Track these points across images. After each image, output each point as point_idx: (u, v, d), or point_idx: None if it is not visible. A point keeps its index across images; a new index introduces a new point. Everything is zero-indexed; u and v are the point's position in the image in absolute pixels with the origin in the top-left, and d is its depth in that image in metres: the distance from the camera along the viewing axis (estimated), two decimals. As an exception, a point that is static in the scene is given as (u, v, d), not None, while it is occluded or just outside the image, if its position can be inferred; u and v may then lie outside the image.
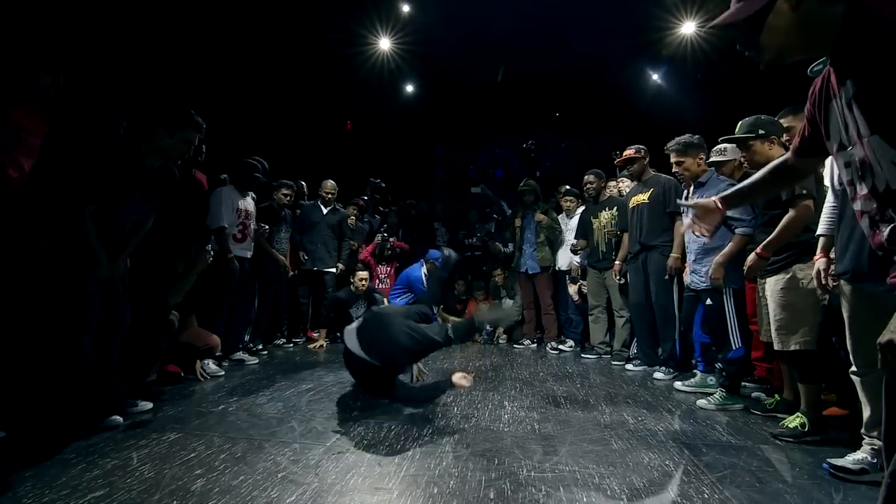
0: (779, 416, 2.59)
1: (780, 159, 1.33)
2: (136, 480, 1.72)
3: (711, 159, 3.07)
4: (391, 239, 5.83)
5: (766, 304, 2.69)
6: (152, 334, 2.80)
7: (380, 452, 2.05)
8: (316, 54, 7.21)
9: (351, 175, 7.82)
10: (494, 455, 2.03)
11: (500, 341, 5.60)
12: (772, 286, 2.53)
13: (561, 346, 4.99)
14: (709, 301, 3.07)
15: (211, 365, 3.52)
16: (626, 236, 4.19)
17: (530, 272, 5.16)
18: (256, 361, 3.97)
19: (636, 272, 3.95)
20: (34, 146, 2.24)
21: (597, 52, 7.01)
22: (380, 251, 5.80)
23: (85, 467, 1.82)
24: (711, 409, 2.81)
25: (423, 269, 5.45)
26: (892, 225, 0.93)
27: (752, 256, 2.53)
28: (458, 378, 2.63)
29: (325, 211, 5.08)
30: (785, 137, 2.61)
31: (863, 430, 1.89)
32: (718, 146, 3.02)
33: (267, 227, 4.22)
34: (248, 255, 3.98)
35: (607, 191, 4.72)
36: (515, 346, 5.32)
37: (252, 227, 4.01)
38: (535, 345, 5.26)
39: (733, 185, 3.01)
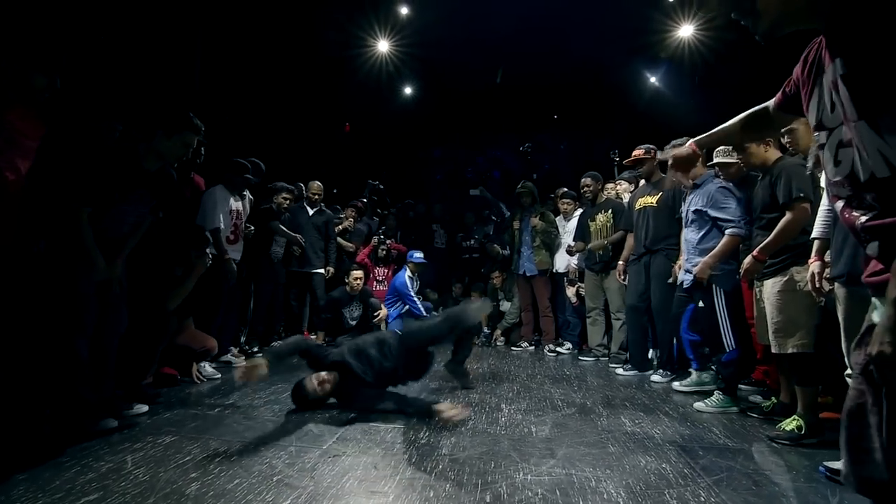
0: (775, 418, 2.59)
1: (761, 106, 1.26)
2: (131, 484, 1.71)
3: (718, 160, 3.06)
4: (388, 241, 5.82)
5: (764, 307, 2.69)
6: (149, 337, 2.79)
7: (376, 456, 2.04)
8: (314, 56, 7.22)
9: (349, 177, 7.83)
10: (491, 458, 2.02)
11: (498, 343, 5.60)
12: (769, 289, 2.53)
13: (558, 349, 4.98)
14: (701, 303, 3.08)
15: (208, 367, 3.51)
16: (629, 236, 4.15)
17: (528, 274, 5.16)
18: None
19: (636, 275, 3.91)
20: (30, 148, 2.24)
21: (595, 54, 7.04)
22: (375, 253, 5.80)
23: (79, 470, 1.82)
24: (709, 412, 2.81)
25: (407, 272, 5.45)
26: (873, 213, 0.87)
27: (748, 259, 2.53)
28: (444, 409, 2.44)
29: (311, 212, 5.06)
30: (786, 139, 2.61)
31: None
32: (723, 147, 3.02)
33: (252, 227, 4.20)
34: (238, 256, 3.97)
35: (604, 193, 4.72)
36: (513, 348, 5.31)
37: (242, 228, 4.00)
38: (532, 347, 5.26)
39: (723, 188, 3.07)
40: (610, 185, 4.79)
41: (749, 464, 2.02)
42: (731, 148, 3.00)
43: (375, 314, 5.14)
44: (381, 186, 6.53)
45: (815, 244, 2.17)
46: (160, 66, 4.72)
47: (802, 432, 2.27)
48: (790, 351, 2.39)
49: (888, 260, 0.80)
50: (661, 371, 3.69)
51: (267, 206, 4.50)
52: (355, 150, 8.86)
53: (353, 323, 5.02)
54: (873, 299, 0.95)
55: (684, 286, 3.26)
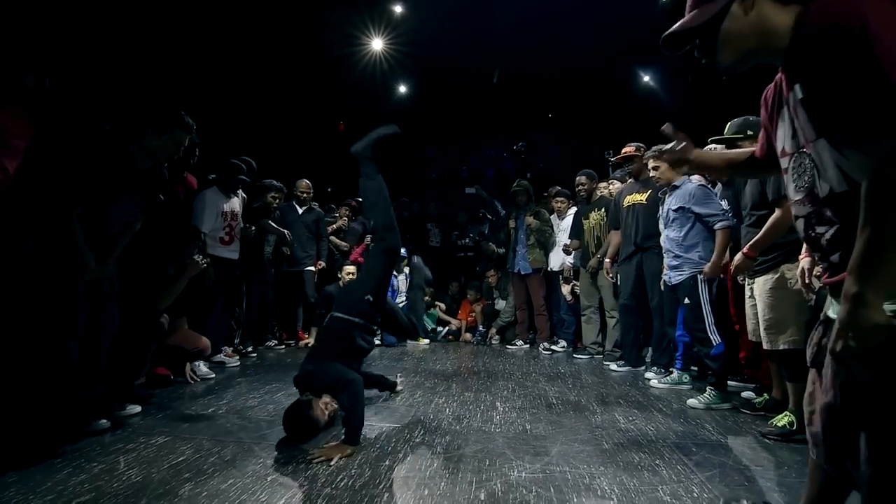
0: (767, 414, 2.61)
1: (748, 151, 1.33)
2: (123, 485, 1.70)
3: None
4: None
5: (755, 304, 2.71)
6: (142, 337, 2.77)
7: (370, 454, 2.04)
8: (309, 55, 7.19)
9: (344, 176, 7.81)
10: (486, 456, 2.03)
11: (493, 342, 5.61)
12: (760, 286, 2.55)
13: (553, 347, 5.00)
14: (686, 300, 3.12)
15: (202, 367, 3.49)
16: (614, 234, 4.17)
17: (523, 273, 5.17)
18: (237, 364, 3.94)
19: (627, 273, 3.93)
20: (18, 148, 2.22)
21: (590, 53, 7.05)
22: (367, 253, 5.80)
23: (71, 472, 1.80)
24: (701, 408, 2.83)
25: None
26: (835, 227, 0.94)
27: (738, 256, 2.55)
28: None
29: (300, 211, 5.05)
30: None
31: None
32: (708, 146, 3.05)
33: (252, 227, 4.19)
34: (235, 256, 3.95)
35: (598, 192, 4.74)
36: (508, 346, 5.33)
37: (238, 228, 3.97)
38: (527, 345, 5.28)
39: (703, 186, 3.15)
40: (603, 185, 4.81)
41: (741, 459, 2.04)
42: (713, 148, 3.05)
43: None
44: None
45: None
46: (152, 65, 4.68)
47: (794, 428, 2.29)
48: (781, 347, 2.41)
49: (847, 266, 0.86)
50: (654, 368, 3.71)
51: (258, 205, 4.48)
52: (349, 149, 8.83)
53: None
54: (828, 298, 1.05)
55: (668, 284, 3.32)
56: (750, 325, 2.86)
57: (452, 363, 4.35)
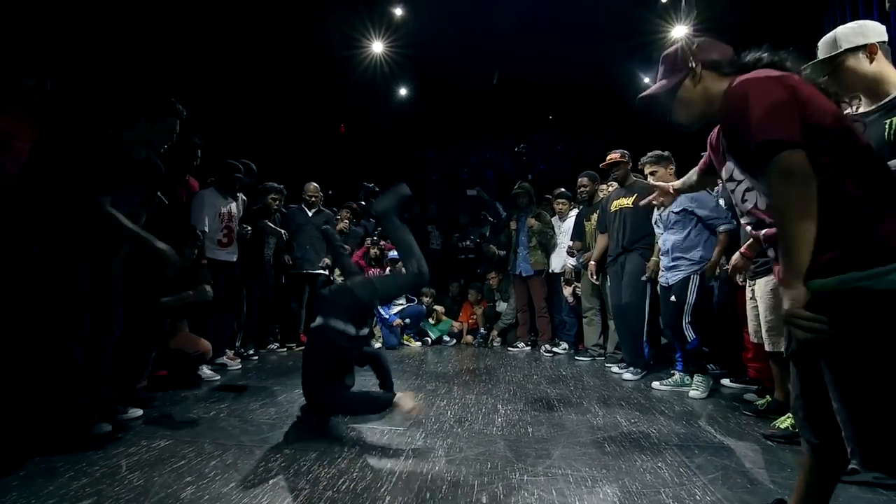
0: (770, 416, 2.60)
1: (700, 169, 1.69)
2: (125, 488, 1.70)
3: None
4: (382, 243, 5.83)
5: (756, 306, 2.71)
6: (143, 340, 2.77)
7: (372, 457, 2.04)
8: (309, 57, 7.20)
9: (344, 178, 7.81)
10: (488, 459, 2.02)
11: (495, 344, 5.61)
12: (762, 287, 2.55)
13: (555, 349, 4.99)
14: (673, 298, 3.22)
15: (205, 370, 3.50)
16: (601, 238, 4.22)
17: (524, 275, 5.17)
18: (239, 367, 3.94)
19: (616, 275, 3.99)
20: (21, 151, 2.22)
21: (590, 54, 7.05)
22: (369, 255, 5.80)
23: (73, 475, 1.80)
24: (703, 397, 3.03)
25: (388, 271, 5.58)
26: (766, 229, 1.28)
27: (736, 256, 2.57)
28: (404, 399, 2.28)
29: (310, 213, 5.07)
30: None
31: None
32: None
33: (249, 227, 4.19)
34: (234, 258, 3.95)
35: (600, 193, 4.74)
36: (509, 348, 5.32)
37: (236, 230, 3.97)
38: (528, 347, 5.27)
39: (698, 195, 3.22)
40: (603, 186, 4.81)
41: (744, 462, 2.03)
42: None
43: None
44: (377, 188, 6.52)
45: None
46: (152, 66, 4.69)
47: (797, 430, 2.28)
48: (783, 349, 2.40)
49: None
50: (631, 368, 3.76)
51: (258, 207, 4.49)
52: (350, 151, 8.85)
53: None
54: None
55: (663, 285, 3.40)
56: (751, 327, 2.85)
57: (454, 365, 4.34)
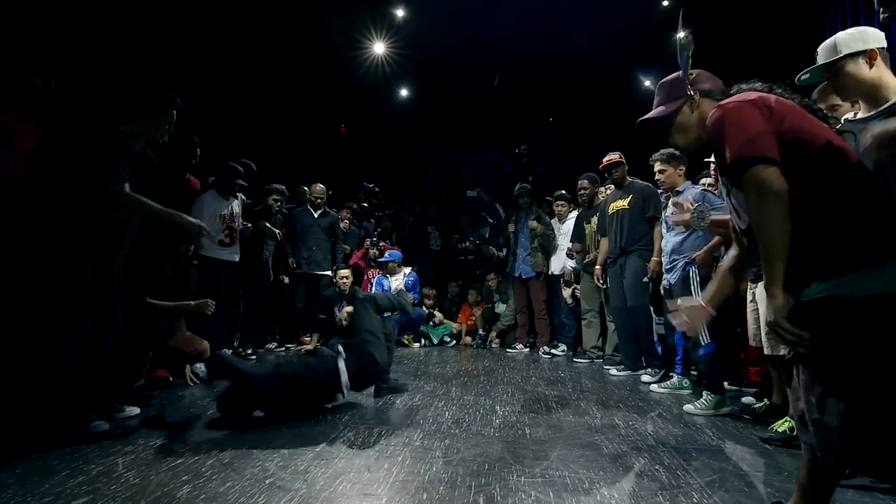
0: (768, 420, 2.60)
1: (731, 251, 1.63)
2: (122, 487, 1.70)
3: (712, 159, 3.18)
4: (381, 244, 5.83)
5: (756, 309, 2.71)
6: (141, 339, 2.77)
7: (369, 458, 2.04)
8: (310, 57, 7.21)
9: (345, 179, 7.81)
10: (485, 460, 2.02)
11: (493, 345, 5.60)
12: (762, 291, 2.54)
13: (553, 351, 4.99)
14: (679, 301, 3.11)
15: (202, 369, 3.49)
16: (603, 241, 4.22)
17: (524, 276, 5.17)
18: None
19: (616, 277, 4.00)
20: (25, 150, 2.22)
21: (591, 56, 7.07)
22: (367, 257, 5.81)
23: (69, 473, 1.80)
24: (698, 413, 2.80)
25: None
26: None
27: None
28: None
29: (316, 214, 5.08)
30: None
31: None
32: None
33: (250, 225, 4.19)
34: (236, 258, 3.95)
35: (601, 196, 4.74)
36: (508, 350, 5.32)
37: (238, 229, 3.98)
38: (527, 349, 5.27)
39: (706, 191, 3.18)
40: (601, 189, 4.82)
41: (741, 465, 2.03)
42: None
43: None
44: (377, 189, 6.53)
45: None
46: (155, 67, 4.70)
47: (795, 433, 2.28)
48: (783, 352, 2.40)
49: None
50: (650, 371, 3.74)
51: (259, 208, 4.49)
52: (351, 152, 8.85)
53: (345, 324, 5.03)
54: None
55: (666, 288, 3.34)
56: (751, 330, 2.85)
57: (452, 366, 4.34)
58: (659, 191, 3.57)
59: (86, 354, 2.27)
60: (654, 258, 3.69)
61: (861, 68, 1.61)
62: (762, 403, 2.86)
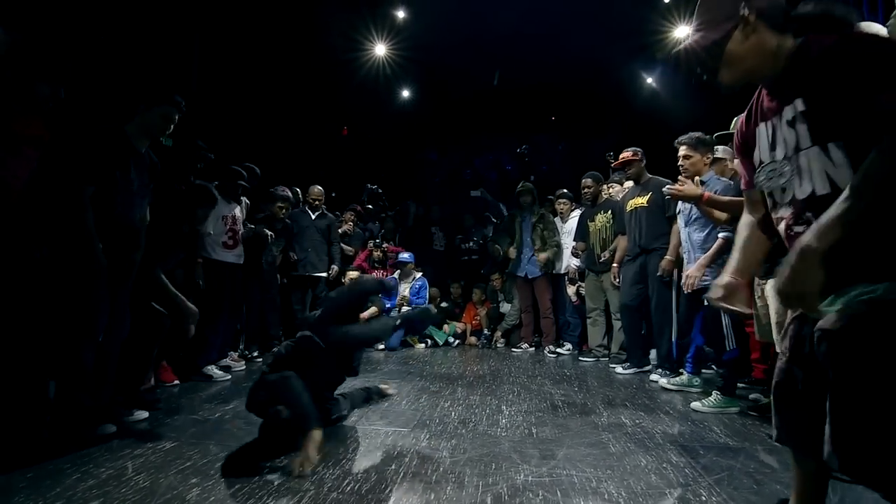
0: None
1: (750, 222, 1.41)
2: (131, 490, 1.71)
3: (718, 155, 3.13)
4: (384, 245, 5.84)
5: (765, 305, 2.69)
6: (144, 339, 2.75)
7: (376, 458, 2.04)
8: (312, 60, 7.23)
9: (347, 180, 7.84)
10: (492, 460, 2.02)
11: (498, 345, 5.60)
12: (771, 287, 2.53)
13: (559, 350, 4.98)
14: (706, 302, 3.06)
15: (216, 370, 3.52)
16: (621, 239, 4.18)
17: (529, 276, 5.17)
18: (243, 369, 3.96)
19: (629, 274, 3.95)
20: (33, 157, 2.24)
21: (592, 55, 7.06)
22: (371, 259, 5.82)
23: (80, 477, 1.81)
24: (706, 411, 2.80)
25: (396, 273, 5.64)
26: (808, 224, 1.05)
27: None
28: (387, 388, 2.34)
29: (313, 216, 5.09)
30: None
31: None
32: (723, 147, 3.08)
33: (252, 226, 4.19)
34: (241, 261, 3.97)
35: (604, 194, 4.73)
36: (513, 349, 5.32)
37: (241, 232, 3.99)
38: (532, 348, 5.27)
39: (728, 185, 3.06)
40: (603, 187, 4.81)
41: (750, 462, 2.02)
42: (716, 148, 3.10)
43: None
44: (380, 190, 6.54)
45: None
46: (157, 70, 4.73)
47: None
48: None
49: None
50: (660, 370, 3.69)
51: (265, 215, 4.48)
52: (353, 154, 8.88)
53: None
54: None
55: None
56: (758, 327, 2.84)
57: (457, 366, 4.34)
58: (680, 178, 3.39)
59: (95, 358, 2.29)
60: (667, 257, 3.64)
61: None
62: (769, 400, 2.84)
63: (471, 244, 6.66)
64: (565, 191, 5.40)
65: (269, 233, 4.38)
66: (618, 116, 8.20)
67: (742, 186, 1.42)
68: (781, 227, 1.18)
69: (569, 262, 4.99)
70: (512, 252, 5.31)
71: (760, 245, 1.40)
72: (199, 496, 1.67)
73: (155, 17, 4.77)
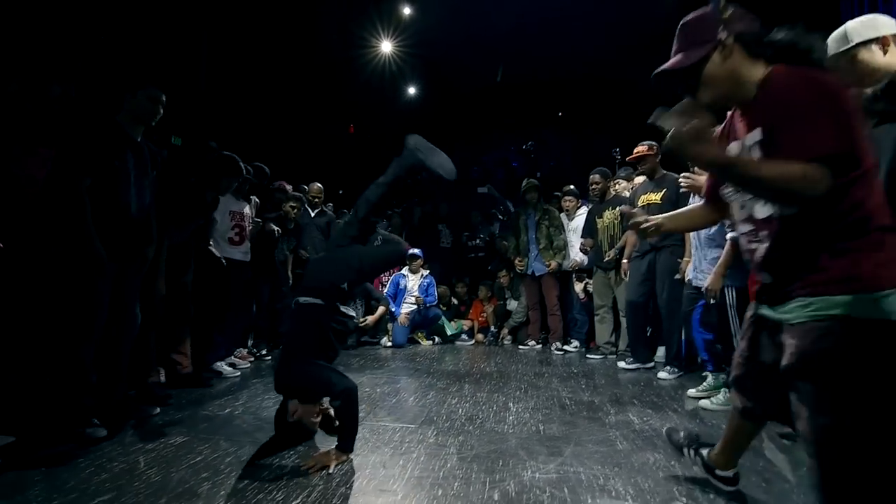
0: (785, 415, 2.57)
1: (699, 205, 1.62)
2: (144, 484, 1.74)
3: None
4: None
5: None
6: (143, 330, 2.72)
7: (384, 454, 2.06)
8: (319, 58, 7.25)
9: (354, 178, 7.85)
10: (499, 457, 2.03)
11: (505, 342, 5.60)
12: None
13: (566, 347, 4.97)
14: (712, 300, 3.04)
15: (225, 366, 3.56)
16: (630, 234, 4.14)
17: (536, 274, 5.16)
18: (249, 366, 3.99)
19: (637, 270, 3.92)
20: (46, 157, 2.27)
21: (598, 50, 7.01)
22: None
23: (93, 471, 1.85)
24: (714, 409, 2.78)
25: (404, 269, 5.69)
26: (765, 247, 1.21)
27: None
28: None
29: (313, 214, 5.09)
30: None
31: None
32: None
33: (260, 220, 4.21)
34: (247, 258, 3.99)
35: (612, 190, 4.71)
36: (520, 346, 5.31)
37: (248, 229, 4.01)
38: (539, 346, 5.26)
39: None
40: (610, 183, 4.78)
41: (758, 460, 2.02)
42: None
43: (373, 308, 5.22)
44: None
45: None
46: (166, 69, 4.76)
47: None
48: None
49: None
50: (668, 368, 3.68)
51: (275, 215, 4.49)
52: (360, 151, 8.89)
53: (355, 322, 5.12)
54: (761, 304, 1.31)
55: (693, 284, 3.24)
56: None
57: (465, 364, 4.35)
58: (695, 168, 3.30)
59: (105, 357, 2.31)
60: (685, 258, 3.53)
61: (875, 55, 1.59)
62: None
63: (477, 241, 6.66)
64: (572, 187, 5.38)
65: (276, 228, 4.39)
66: (625, 112, 8.13)
67: (701, 195, 1.63)
68: (743, 239, 1.33)
69: (574, 257, 4.99)
70: (518, 264, 5.33)
71: (696, 220, 1.65)
72: (210, 490, 1.69)
73: (164, 16, 4.81)
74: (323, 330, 2.16)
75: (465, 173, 9.80)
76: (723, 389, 2.88)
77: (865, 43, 1.59)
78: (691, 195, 3.28)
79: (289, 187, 4.99)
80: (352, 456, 2.01)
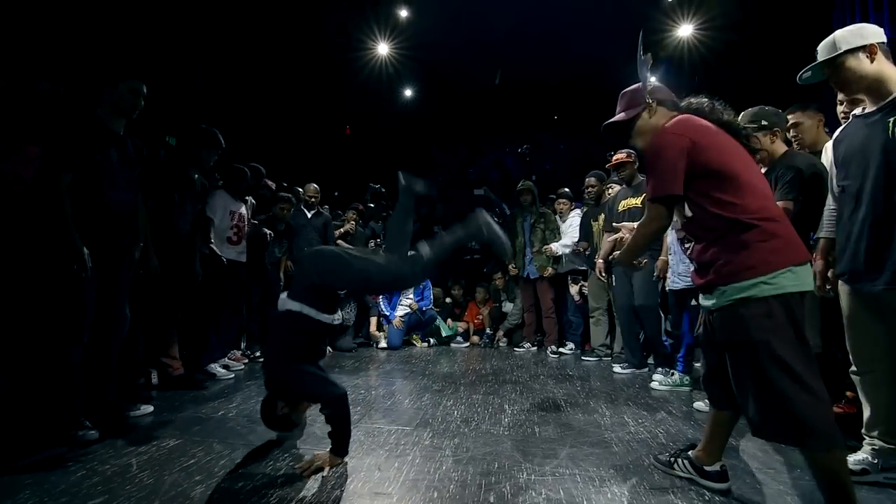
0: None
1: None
2: (136, 487, 1.72)
3: None
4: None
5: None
6: (132, 330, 2.68)
7: (380, 457, 2.05)
8: (315, 59, 7.25)
9: (350, 180, 7.85)
10: (495, 459, 2.02)
11: (501, 344, 5.60)
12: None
13: (561, 349, 4.98)
14: (693, 302, 3.11)
15: (218, 368, 3.53)
16: (607, 236, 4.17)
17: (532, 276, 5.16)
18: (243, 367, 3.97)
19: (622, 275, 3.96)
20: (34, 155, 2.25)
21: (594, 54, 7.05)
22: None
23: (84, 474, 1.82)
24: (709, 411, 2.78)
25: None
26: (692, 244, 1.66)
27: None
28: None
29: (309, 215, 5.06)
30: (791, 133, 2.58)
31: (863, 431, 1.89)
32: None
33: (256, 222, 4.20)
34: (243, 259, 3.97)
35: (607, 193, 4.72)
36: (515, 349, 5.31)
37: (246, 230, 3.99)
38: (535, 348, 5.26)
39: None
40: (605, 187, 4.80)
41: (753, 462, 2.02)
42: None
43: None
44: (383, 190, 6.54)
45: (820, 243, 2.17)
46: (162, 69, 4.74)
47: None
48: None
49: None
50: (661, 370, 3.70)
51: (266, 217, 4.48)
52: (356, 153, 8.89)
53: (349, 323, 5.10)
54: (700, 294, 1.66)
55: (672, 288, 3.32)
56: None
57: (460, 366, 4.35)
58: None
59: (94, 357, 2.28)
60: (661, 258, 3.65)
61: (862, 63, 1.65)
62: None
63: (473, 243, 6.66)
64: (566, 190, 5.39)
65: (268, 231, 4.37)
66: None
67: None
68: (680, 237, 1.91)
69: (564, 255, 5.01)
70: (511, 269, 5.36)
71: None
72: (203, 493, 1.68)
73: (160, 17, 4.79)
74: (309, 337, 2.09)
75: (461, 175, 9.81)
76: (676, 373, 3.04)
77: (853, 51, 1.66)
78: None
79: (272, 184, 4.97)
80: (347, 459, 1.99)
